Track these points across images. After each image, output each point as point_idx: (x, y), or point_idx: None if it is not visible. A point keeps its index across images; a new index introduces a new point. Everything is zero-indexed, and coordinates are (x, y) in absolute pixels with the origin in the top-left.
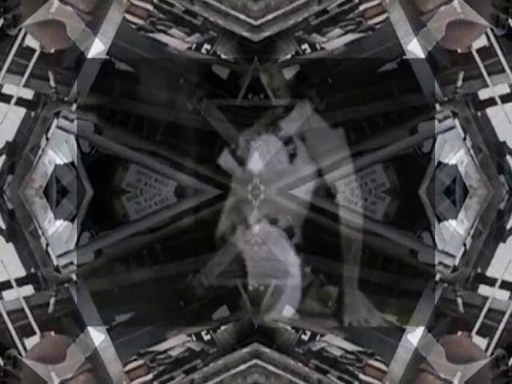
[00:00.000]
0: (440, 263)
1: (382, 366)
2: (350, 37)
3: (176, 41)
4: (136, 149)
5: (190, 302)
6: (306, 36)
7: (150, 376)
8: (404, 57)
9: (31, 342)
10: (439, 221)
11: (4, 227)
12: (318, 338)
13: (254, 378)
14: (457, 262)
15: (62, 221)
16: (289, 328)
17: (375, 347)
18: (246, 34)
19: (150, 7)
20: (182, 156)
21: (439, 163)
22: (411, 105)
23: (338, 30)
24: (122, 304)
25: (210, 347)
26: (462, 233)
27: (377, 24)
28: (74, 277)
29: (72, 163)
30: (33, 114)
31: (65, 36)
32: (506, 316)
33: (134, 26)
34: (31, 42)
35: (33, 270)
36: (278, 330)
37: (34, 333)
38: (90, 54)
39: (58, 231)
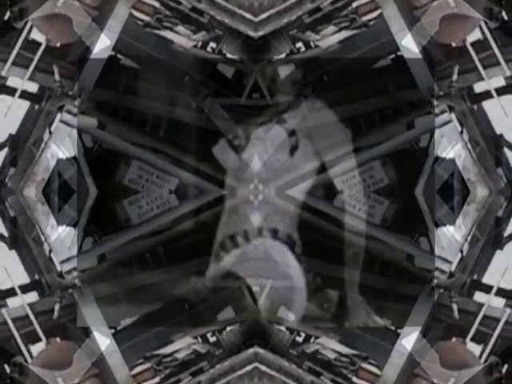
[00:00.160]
0: (436, 269)
1: (376, 370)
2: (344, 34)
3: (182, 38)
4: (139, 145)
5: (194, 303)
6: (300, 34)
7: (157, 379)
8: (398, 52)
9: (37, 348)
10: (437, 226)
11: (6, 234)
12: (312, 340)
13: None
14: (453, 268)
15: (64, 226)
16: (283, 329)
17: (369, 351)
18: (250, 32)
19: (156, 4)
20: (184, 153)
21: (437, 158)
22: (407, 100)
23: (331, 28)
24: (126, 308)
25: (215, 349)
26: (459, 239)
27: (370, 20)
28: (78, 282)
29: (74, 157)
30: (36, 107)
31: (71, 30)
32: (501, 323)
33: (140, 23)
34: (37, 35)
35: (37, 277)
36: (272, 330)
37: (39, 339)
38: (96, 49)
39: (60, 237)
